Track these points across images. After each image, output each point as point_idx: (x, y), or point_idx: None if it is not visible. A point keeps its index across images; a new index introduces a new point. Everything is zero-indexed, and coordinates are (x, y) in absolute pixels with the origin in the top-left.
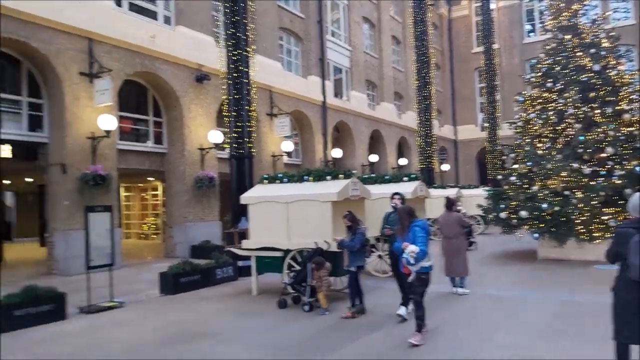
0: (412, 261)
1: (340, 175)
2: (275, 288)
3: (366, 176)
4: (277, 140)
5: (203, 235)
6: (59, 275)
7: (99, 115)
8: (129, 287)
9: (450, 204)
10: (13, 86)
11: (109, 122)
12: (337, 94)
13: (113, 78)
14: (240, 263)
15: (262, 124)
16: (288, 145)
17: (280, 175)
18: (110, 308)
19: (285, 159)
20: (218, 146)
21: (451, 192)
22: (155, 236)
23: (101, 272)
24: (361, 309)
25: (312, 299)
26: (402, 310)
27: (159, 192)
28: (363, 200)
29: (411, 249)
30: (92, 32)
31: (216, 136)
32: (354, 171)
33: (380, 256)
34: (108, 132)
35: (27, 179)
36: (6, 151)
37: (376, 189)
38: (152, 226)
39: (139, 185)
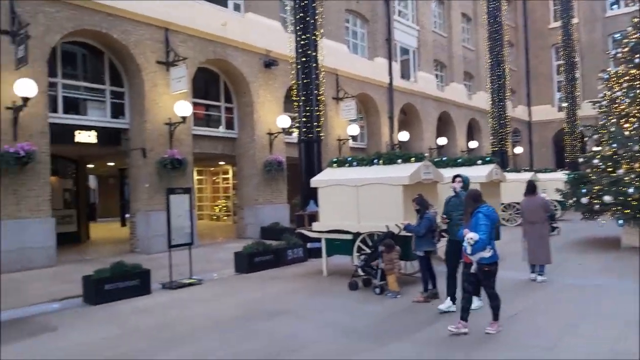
0: (469, 250)
1: (412, 159)
2: (345, 270)
3: (437, 159)
4: (342, 124)
5: (272, 217)
6: (140, 253)
7: (176, 102)
8: (205, 266)
9: (532, 188)
10: (97, 76)
11: (184, 108)
12: (404, 75)
13: (187, 66)
14: (309, 245)
15: (328, 107)
16: (354, 129)
17: (349, 158)
18: (190, 285)
19: (351, 142)
20: (286, 131)
21: (526, 176)
22: (226, 218)
23: (180, 250)
24: (434, 293)
25: (383, 282)
26: (444, 305)
27: (230, 175)
28: (435, 184)
29: (470, 236)
30: (168, 22)
31: (284, 121)
32: (425, 154)
33: None
34: (184, 118)
35: (108, 163)
36: (92, 137)
37: (448, 173)
38: (223, 208)
39: (211, 169)
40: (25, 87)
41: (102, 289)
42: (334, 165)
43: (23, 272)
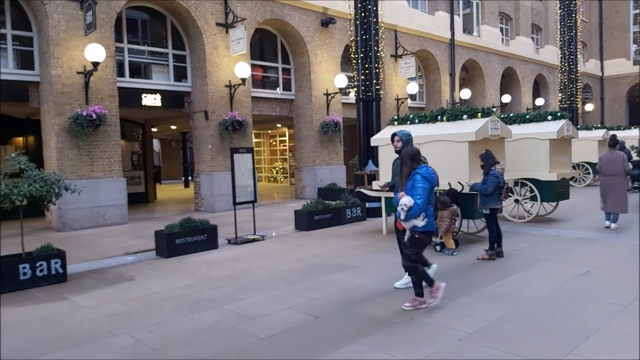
0: (402, 216)
1: (479, 114)
2: None
3: (504, 115)
4: (401, 83)
5: (329, 178)
6: (205, 211)
7: (235, 64)
8: (266, 224)
9: (614, 142)
10: (159, 40)
11: (244, 69)
12: (466, 29)
13: (246, 27)
14: (368, 204)
15: (386, 66)
16: (413, 88)
17: (411, 115)
18: (253, 240)
19: (410, 102)
20: (343, 91)
21: (597, 134)
22: (283, 179)
23: (242, 209)
24: (498, 251)
25: (443, 240)
26: (401, 281)
27: (287, 137)
28: (503, 141)
29: (404, 201)
30: None
31: (341, 81)
32: (493, 108)
33: (517, 200)
34: (243, 79)
35: (172, 127)
36: (157, 100)
37: (516, 129)
38: (281, 170)
39: (268, 131)
40: (95, 52)
41: (173, 243)
42: (395, 123)
43: (98, 228)
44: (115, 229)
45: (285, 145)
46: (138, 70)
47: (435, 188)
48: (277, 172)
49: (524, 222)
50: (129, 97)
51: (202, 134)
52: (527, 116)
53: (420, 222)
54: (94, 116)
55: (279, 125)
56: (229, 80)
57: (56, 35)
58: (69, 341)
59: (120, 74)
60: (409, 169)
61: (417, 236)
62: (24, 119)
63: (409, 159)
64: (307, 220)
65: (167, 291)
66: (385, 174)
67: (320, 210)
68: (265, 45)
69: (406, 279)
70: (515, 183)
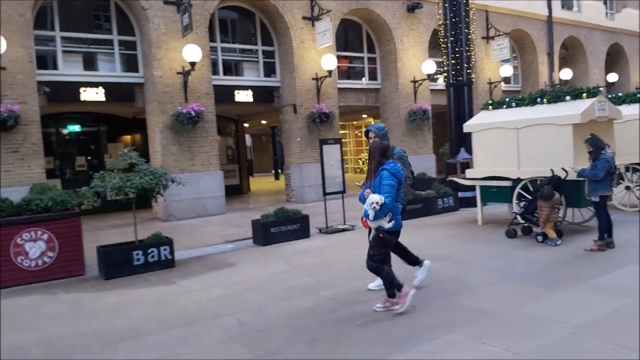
0: (370, 215)
1: (583, 94)
2: (499, 219)
3: (612, 95)
4: (493, 65)
5: (418, 168)
6: (295, 202)
7: (322, 56)
8: (355, 214)
9: None
10: (249, 38)
11: (330, 61)
12: (565, 5)
13: (331, 18)
14: (461, 194)
15: (477, 49)
16: (507, 70)
17: (507, 99)
18: (343, 230)
19: (503, 85)
20: (431, 77)
21: None
22: None
23: (331, 200)
24: (609, 242)
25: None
26: (375, 283)
27: None
28: (611, 123)
29: (375, 199)
30: None
31: (429, 67)
32: (600, 88)
33: (628, 187)
34: (330, 71)
35: (262, 122)
36: (249, 96)
37: (627, 110)
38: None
39: (354, 122)
40: (192, 52)
41: (269, 232)
42: (489, 107)
43: (199, 218)
44: (214, 218)
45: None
46: (230, 68)
47: (536, 176)
48: (363, 163)
49: (636, 210)
50: (223, 94)
51: (291, 127)
52: (639, 95)
53: (386, 224)
54: (193, 113)
55: (364, 115)
56: (316, 73)
57: (157, 38)
58: (181, 321)
59: (215, 72)
60: (377, 164)
61: (381, 236)
62: (130, 118)
63: (378, 153)
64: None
65: (265, 277)
66: (480, 161)
67: (410, 201)
68: (350, 36)
69: (378, 281)
70: (627, 169)
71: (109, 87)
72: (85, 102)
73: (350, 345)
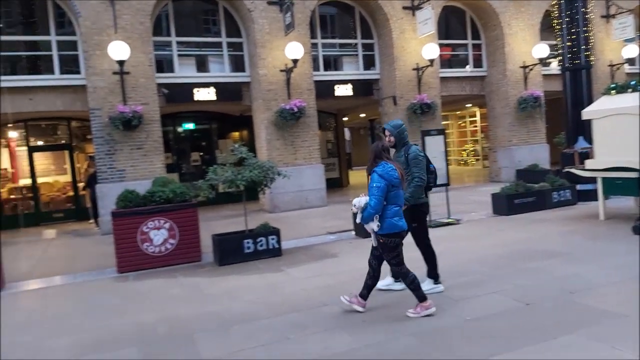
0: (358, 218)
1: None
2: (624, 214)
3: None
4: (615, 46)
5: (528, 159)
6: None
7: (423, 46)
8: (460, 207)
9: None
10: (348, 32)
11: (432, 50)
12: None
13: (433, 6)
14: (579, 187)
15: (596, 28)
16: (631, 50)
17: (632, 82)
18: (448, 224)
19: (627, 67)
20: (542, 62)
21: None
22: (474, 162)
23: (434, 192)
24: None
25: None
26: (384, 282)
27: (477, 117)
28: None
29: (355, 200)
30: None
31: (541, 50)
32: None
33: None
34: (431, 60)
35: (360, 115)
36: (348, 89)
37: None
38: (472, 152)
39: (457, 112)
40: (294, 49)
41: None
42: (612, 92)
43: (302, 210)
44: (316, 210)
45: (476, 126)
46: (330, 63)
47: None
48: (467, 155)
49: None
50: (324, 89)
51: (391, 119)
52: None
53: (374, 226)
54: (295, 109)
55: (468, 105)
56: (416, 63)
57: (261, 38)
58: (289, 307)
59: (315, 68)
60: (371, 165)
61: (381, 240)
62: (238, 115)
63: (373, 154)
64: (506, 204)
65: (367, 268)
66: (602, 151)
67: (521, 194)
68: (452, 23)
69: (388, 280)
70: None
71: (219, 87)
72: (198, 101)
73: (456, 341)
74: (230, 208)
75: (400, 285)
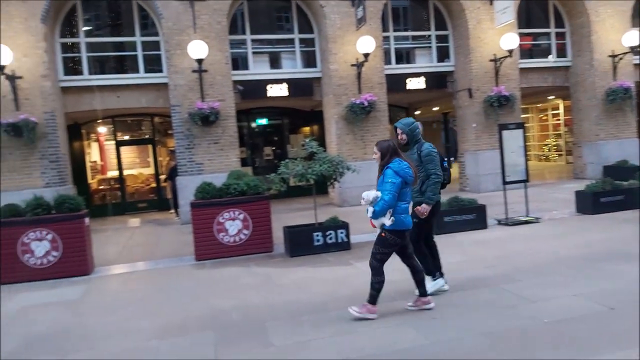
0: (369, 213)
1: None
2: None
3: None
4: None
5: (617, 154)
6: (470, 192)
7: (501, 36)
8: (539, 205)
9: None
10: (421, 24)
11: (511, 40)
12: None
13: None
14: None
15: None
16: None
17: None
18: (526, 222)
19: None
20: (634, 50)
21: None
22: (556, 158)
23: (511, 189)
24: None
25: None
26: (431, 284)
27: (560, 110)
28: None
29: (364, 194)
30: None
31: (632, 38)
32: None
33: None
34: (510, 51)
35: (433, 108)
36: (421, 83)
37: None
38: (553, 147)
39: (537, 105)
40: (366, 44)
41: (442, 220)
42: None
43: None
44: None
45: (559, 119)
46: (402, 56)
47: None
48: (548, 150)
49: None
50: (395, 83)
51: (466, 112)
52: None
53: (387, 221)
54: (366, 104)
55: (551, 97)
56: (494, 54)
57: (333, 33)
58: (357, 300)
59: (387, 61)
60: (384, 162)
61: (383, 235)
62: (309, 111)
63: (388, 151)
64: (591, 203)
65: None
66: None
67: (608, 191)
68: (534, 10)
69: (433, 283)
70: None
71: (291, 83)
72: (271, 97)
73: (532, 343)
74: (301, 201)
75: (441, 282)
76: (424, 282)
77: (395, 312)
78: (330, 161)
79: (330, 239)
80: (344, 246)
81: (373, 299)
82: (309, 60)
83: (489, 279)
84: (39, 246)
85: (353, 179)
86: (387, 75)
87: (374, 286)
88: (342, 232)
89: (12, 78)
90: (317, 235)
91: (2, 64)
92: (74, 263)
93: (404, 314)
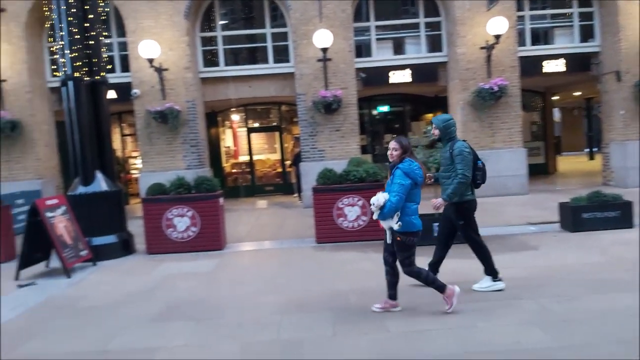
0: (375, 215)
1: None
2: None
3: None
4: None
5: None
6: (615, 186)
7: None
8: None
9: None
10: (561, 1)
11: None
12: None
13: None
14: None
15: None
16: None
17: None
18: None
19: None
20: None
21: None
22: None
23: None
24: None
25: None
26: (478, 284)
27: None
28: None
29: (373, 198)
30: None
31: None
32: None
33: None
34: None
35: (574, 93)
36: (559, 65)
37: None
38: None
39: None
40: (497, 25)
41: (579, 217)
42: None
43: (499, 197)
44: (515, 198)
45: None
46: (539, 37)
47: None
48: None
49: None
50: (529, 66)
51: (613, 97)
52: None
53: (394, 224)
54: (496, 88)
55: None
56: None
57: (461, 15)
58: (478, 295)
59: (521, 43)
60: (396, 160)
61: (398, 239)
62: (432, 97)
63: (401, 149)
64: None
65: (573, 265)
66: None
67: None
68: None
69: (486, 282)
70: None
71: (414, 69)
72: (393, 84)
73: None
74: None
75: (501, 284)
76: (396, 282)
77: (519, 310)
78: None
79: None
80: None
81: (441, 289)
82: (434, 44)
83: (631, 283)
84: (181, 222)
85: None
86: (521, 58)
87: (428, 283)
88: None
89: (159, 70)
90: (437, 226)
91: (152, 57)
92: (210, 238)
93: (530, 313)
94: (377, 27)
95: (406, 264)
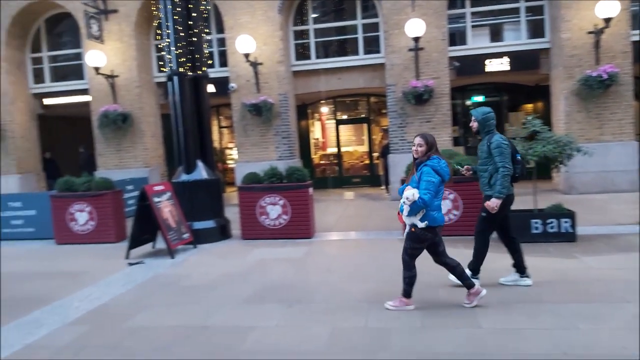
0: (405, 211)
1: None
2: None
3: None
4: None
5: None
6: None
7: None
8: None
9: None
10: None
11: None
12: None
13: None
14: None
15: None
16: None
17: None
18: None
19: None
20: None
21: None
22: None
23: None
24: None
25: None
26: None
27: None
28: None
29: (409, 192)
30: None
31: None
32: None
33: None
34: None
35: None
36: None
37: None
38: None
39: None
40: (608, 7)
41: None
42: None
43: (606, 193)
44: (624, 195)
45: None
46: None
47: None
48: None
49: None
50: None
51: None
52: None
53: (418, 222)
54: (605, 76)
55: None
56: None
57: None
58: (580, 296)
59: (635, 26)
60: (423, 156)
61: (413, 230)
62: (532, 86)
63: (427, 145)
64: None
65: None
66: None
67: None
68: None
69: (513, 276)
70: None
71: (513, 56)
72: (489, 73)
73: None
74: (518, 185)
75: (529, 281)
76: (465, 273)
77: (626, 314)
78: (557, 141)
79: (552, 227)
80: (568, 237)
81: (407, 293)
82: (536, 30)
83: None
84: (273, 210)
85: (584, 162)
86: (635, 43)
87: (405, 280)
88: (566, 222)
89: (254, 64)
90: (536, 223)
91: (247, 52)
92: (299, 227)
93: (635, 316)
94: (473, 13)
95: (408, 253)
